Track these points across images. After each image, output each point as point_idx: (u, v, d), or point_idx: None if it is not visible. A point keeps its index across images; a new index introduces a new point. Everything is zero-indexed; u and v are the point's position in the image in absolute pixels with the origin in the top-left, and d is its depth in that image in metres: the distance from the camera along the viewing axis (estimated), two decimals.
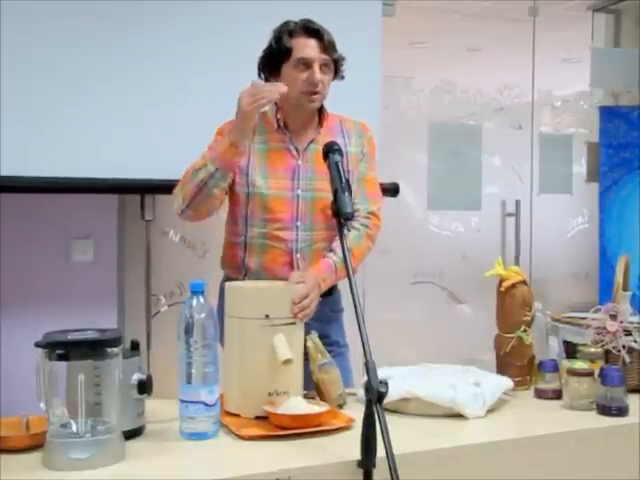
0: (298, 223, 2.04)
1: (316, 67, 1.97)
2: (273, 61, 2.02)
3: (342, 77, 2.07)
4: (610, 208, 4.12)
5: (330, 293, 2.09)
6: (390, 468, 1.31)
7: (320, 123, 2.09)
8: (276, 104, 2.07)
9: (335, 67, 2.03)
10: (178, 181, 2.04)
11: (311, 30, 1.99)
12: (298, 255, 2.04)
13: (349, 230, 2.00)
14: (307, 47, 1.98)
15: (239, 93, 1.89)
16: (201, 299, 1.60)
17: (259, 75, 2.08)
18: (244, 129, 1.91)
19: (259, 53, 2.07)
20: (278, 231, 2.04)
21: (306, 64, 1.98)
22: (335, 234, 1.98)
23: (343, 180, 1.74)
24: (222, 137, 1.98)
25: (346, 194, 1.70)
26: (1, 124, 2.61)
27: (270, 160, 2.04)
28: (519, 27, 4.12)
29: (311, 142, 2.07)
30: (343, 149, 1.99)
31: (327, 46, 1.99)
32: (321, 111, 2.09)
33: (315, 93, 2.00)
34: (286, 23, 2.03)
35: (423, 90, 3.97)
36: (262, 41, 2.05)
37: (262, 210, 2.04)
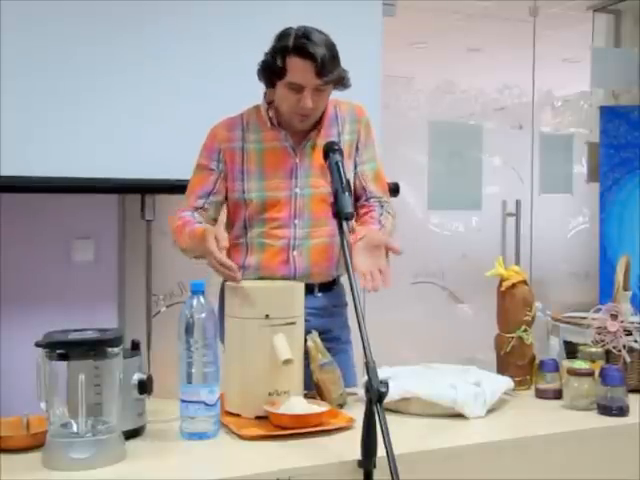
0: (296, 221, 2.02)
1: (307, 93, 1.89)
2: (268, 75, 1.96)
3: (347, 86, 1.99)
4: (610, 208, 4.12)
5: (331, 287, 2.08)
6: (390, 468, 1.31)
7: (318, 121, 2.02)
8: (269, 105, 2.01)
9: (338, 81, 1.96)
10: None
11: (306, 53, 1.86)
12: (295, 252, 2.01)
13: (382, 209, 2.05)
14: (300, 71, 1.88)
15: (209, 236, 1.78)
16: (201, 299, 1.60)
17: (260, 80, 2.02)
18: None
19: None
20: (276, 229, 2.02)
21: (298, 88, 1.90)
22: (333, 230, 1.97)
23: (343, 180, 1.73)
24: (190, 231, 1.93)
25: (346, 194, 1.70)
26: (1, 124, 2.61)
27: (267, 161, 2.01)
28: (519, 27, 4.12)
29: (308, 139, 2.02)
30: (337, 138, 2.00)
31: (321, 71, 1.87)
32: None
33: (306, 115, 1.95)
34: (285, 36, 1.91)
35: (423, 90, 3.97)
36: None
37: (260, 212, 2.01)
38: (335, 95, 2.02)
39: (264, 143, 2.02)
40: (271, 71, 1.93)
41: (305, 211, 2.01)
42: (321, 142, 1.92)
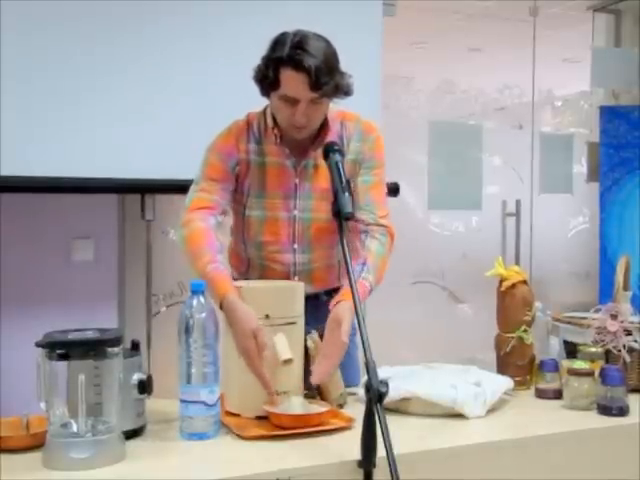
0: (295, 246, 1.98)
1: (301, 106, 1.81)
2: (262, 83, 1.88)
3: (349, 94, 1.91)
4: (610, 208, 4.12)
5: (335, 290, 2.06)
6: (390, 468, 1.30)
7: (321, 137, 1.94)
8: (274, 117, 1.94)
9: (335, 92, 1.86)
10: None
11: (299, 65, 1.77)
12: (296, 278, 1.99)
13: (367, 237, 1.93)
14: (294, 84, 1.79)
15: (250, 328, 1.66)
16: (201, 299, 1.60)
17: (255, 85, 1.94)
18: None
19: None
20: (275, 254, 1.99)
21: (292, 101, 1.82)
22: (335, 252, 1.97)
23: (343, 180, 1.72)
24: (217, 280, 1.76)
25: (346, 194, 1.69)
26: (1, 124, 2.61)
27: (268, 178, 1.96)
28: (519, 27, 4.12)
29: (308, 158, 1.96)
30: None
31: (316, 83, 1.78)
32: (322, 123, 1.95)
33: (301, 127, 1.87)
34: (279, 44, 1.82)
35: (423, 90, 3.97)
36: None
37: (258, 233, 1.98)
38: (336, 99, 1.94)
39: (268, 157, 1.96)
40: (265, 81, 1.86)
41: (305, 236, 1.97)
42: (323, 162, 1.84)
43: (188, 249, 1.85)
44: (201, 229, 1.85)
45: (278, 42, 1.83)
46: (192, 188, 1.96)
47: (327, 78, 1.80)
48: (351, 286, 1.54)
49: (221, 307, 1.73)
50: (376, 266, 1.90)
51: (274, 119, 1.95)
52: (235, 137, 1.96)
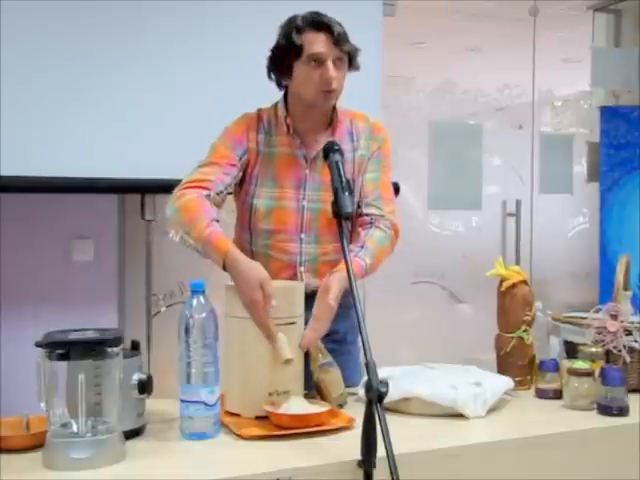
0: (302, 235, 1.98)
1: (329, 63, 1.87)
2: (283, 59, 1.92)
3: (358, 68, 1.97)
4: (610, 208, 4.12)
5: None
6: (390, 468, 1.31)
7: (332, 129, 1.99)
8: (286, 108, 1.98)
9: (350, 59, 1.94)
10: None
11: (320, 24, 1.88)
12: (302, 268, 1.99)
13: (371, 227, 1.97)
14: (318, 42, 1.87)
15: (258, 279, 1.69)
16: (201, 299, 1.60)
17: (269, 76, 1.98)
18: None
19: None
20: (282, 243, 1.98)
21: (318, 60, 1.87)
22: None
23: (343, 180, 1.73)
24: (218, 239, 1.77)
25: (346, 194, 1.70)
26: (1, 124, 2.61)
27: (278, 168, 1.98)
28: (519, 27, 4.12)
29: (319, 149, 1.96)
30: (350, 154, 1.97)
31: (338, 39, 1.87)
32: (333, 115, 2.00)
33: (331, 91, 1.91)
34: (293, 18, 1.91)
35: (423, 90, 3.97)
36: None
37: (266, 221, 1.98)
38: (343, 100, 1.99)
39: (278, 148, 1.98)
40: (287, 52, 1.90)
41: (312, 226, 1.98)
42: None
43: (182, 219, 1.85)
44: (194, 199, 1.86)
45: (290, 19, 1.93)
46: (193, 169, 1.97)
47: (345, 38, 1.90)
48: (351, 287, 1.55)
49: (224, 267, 1.74)
50: (374, 252, 1.93)
51: (286, 110, 1.98)
52: (246, 125, 1.99)
